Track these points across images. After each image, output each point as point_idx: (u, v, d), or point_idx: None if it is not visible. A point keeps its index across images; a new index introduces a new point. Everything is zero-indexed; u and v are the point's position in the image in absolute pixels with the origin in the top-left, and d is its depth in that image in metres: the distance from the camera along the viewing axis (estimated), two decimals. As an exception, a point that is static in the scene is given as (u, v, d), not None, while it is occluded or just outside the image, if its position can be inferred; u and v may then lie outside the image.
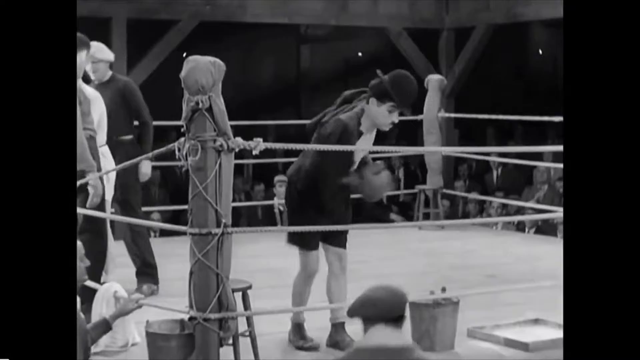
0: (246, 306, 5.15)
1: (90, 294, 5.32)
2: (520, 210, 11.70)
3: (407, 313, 3.67)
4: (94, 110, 6.12)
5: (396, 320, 3.56)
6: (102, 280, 5.90)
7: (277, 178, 10.77)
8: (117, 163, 6.37)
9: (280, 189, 10.49)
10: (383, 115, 5.29)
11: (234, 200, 4.63)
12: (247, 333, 5.09)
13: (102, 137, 6.39)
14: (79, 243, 4.38)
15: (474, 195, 11.99)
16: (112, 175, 6.48)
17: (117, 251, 6.77)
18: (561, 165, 10.09)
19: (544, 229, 11.25)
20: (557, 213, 4.90)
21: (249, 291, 5.18)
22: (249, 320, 5.09)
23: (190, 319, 4.55)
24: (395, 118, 5.30)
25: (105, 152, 6.41)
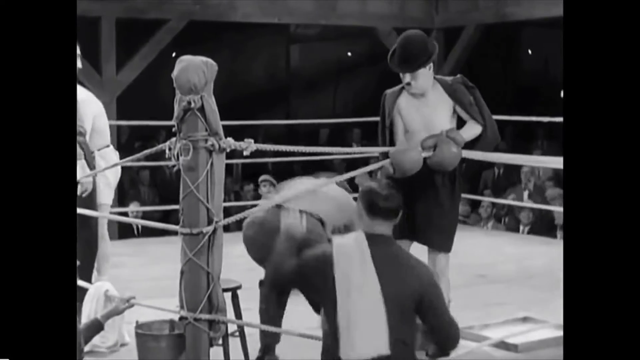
0: (236, 306, 5.14)
1: (80, 293, 5.31)
2: (510, 210, 11.74)
3: None
4: (85, 111, 6.04)
5: None
6: (93, 280, 5.90)
7: (261, 178, 10.73)
8: None
9: (264, 189, 10.46)
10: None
11: (224, 201, 4.62)
12: (237, 333, 5.09)
13: (101, 139, 6.33)
14: None
15: (465, 195, 12.00)
16: (113, 179, 6.44)
17: (111, 251, 6.76)
18: (549, 166, 10.13)
19: (539, 229, 11.29)
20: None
21: (238, 291, 5.18)
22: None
23: (181, 318, 4.54)
24: (406, 78, 5.23)
25: (105, 155, 6.34)
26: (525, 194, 11.89)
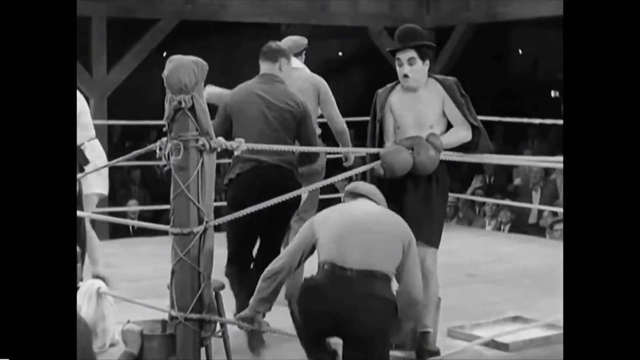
0: (219, 306, 5.13)
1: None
2: (502, 210, 11.76)
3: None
4: None
5: None
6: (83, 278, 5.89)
7: None
8: None
9: None
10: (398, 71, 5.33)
11: (214, 200, 4.62)
12: (220, 333, 5.07)
13: (87, 132, 6.36)
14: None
15: (463, 196, 12.01)
16: (104, 170, 6.44)
17: (101, 252, 6.75)
18: (542, 165, 10.17)
19: (523, 228, 11.32)
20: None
21: (221, 291, 5.17)
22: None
23: (171, 318, 4.54)
24: (404, 70, 5.24)
25: (95, 145, 6.39)
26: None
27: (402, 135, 5.27)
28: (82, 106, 6.46)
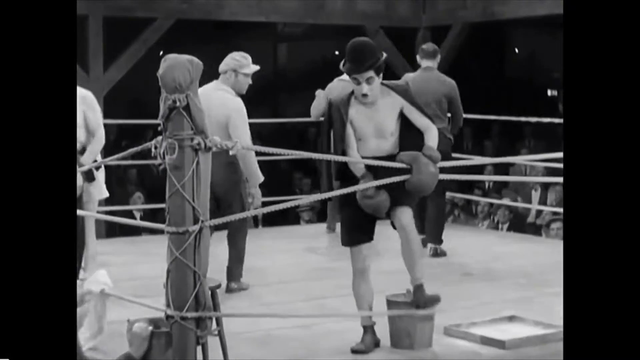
0: (215, 305, 5.13)
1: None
2: (497, 210, 11.77)
3: None
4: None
5: None
6: (80, 277, 5.89)
7: None
8: None
9: None
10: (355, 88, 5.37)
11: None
12: (216, 332, 5.07)
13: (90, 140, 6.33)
14: None
15: (459, 195, 12.03)
16: (101, 179, 6.41)
17: (98, 250, 6.75)
18: (538, 164, 10.18)
19: (521, 226, 11.34)
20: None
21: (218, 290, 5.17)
22: (217, 319, 5.08)
23: (167, 317, 4.54)
24: (363, 89, 5.27)
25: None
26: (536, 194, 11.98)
27: (363, 146, 5.36)
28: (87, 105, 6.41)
